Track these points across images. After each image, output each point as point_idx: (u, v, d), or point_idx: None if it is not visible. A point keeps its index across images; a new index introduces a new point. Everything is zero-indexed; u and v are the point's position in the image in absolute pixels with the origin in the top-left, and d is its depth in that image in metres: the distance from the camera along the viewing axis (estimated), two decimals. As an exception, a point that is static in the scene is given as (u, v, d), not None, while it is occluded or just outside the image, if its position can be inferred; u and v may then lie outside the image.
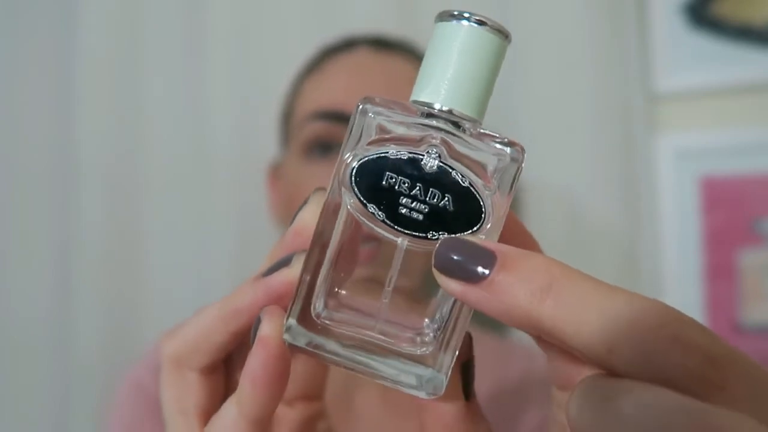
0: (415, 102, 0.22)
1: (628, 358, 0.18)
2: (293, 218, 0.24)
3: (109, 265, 0.89)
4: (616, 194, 0.76)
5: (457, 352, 0.21)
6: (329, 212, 0.21)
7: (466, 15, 0.21)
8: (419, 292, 0.22)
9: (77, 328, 0.89)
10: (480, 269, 0.19)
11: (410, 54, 0.63)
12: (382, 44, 0.62)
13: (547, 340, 0.20)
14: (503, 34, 0.21)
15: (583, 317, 0.18)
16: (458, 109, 0.21)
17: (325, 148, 0.59)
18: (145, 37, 0.90)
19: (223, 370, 0.26)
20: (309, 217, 0.23)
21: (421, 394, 0.21)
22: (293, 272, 0.22)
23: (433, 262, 0.20)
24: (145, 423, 0.61)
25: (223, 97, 0.87)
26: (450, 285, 0.20)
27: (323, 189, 0.22)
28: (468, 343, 0.22)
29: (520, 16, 0.77)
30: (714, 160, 0.77)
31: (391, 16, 0.81)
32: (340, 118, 0.58)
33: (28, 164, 0.93)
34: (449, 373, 0.21)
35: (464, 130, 0.21)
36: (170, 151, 0.88)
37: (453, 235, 0.21)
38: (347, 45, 0.63)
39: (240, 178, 0.84)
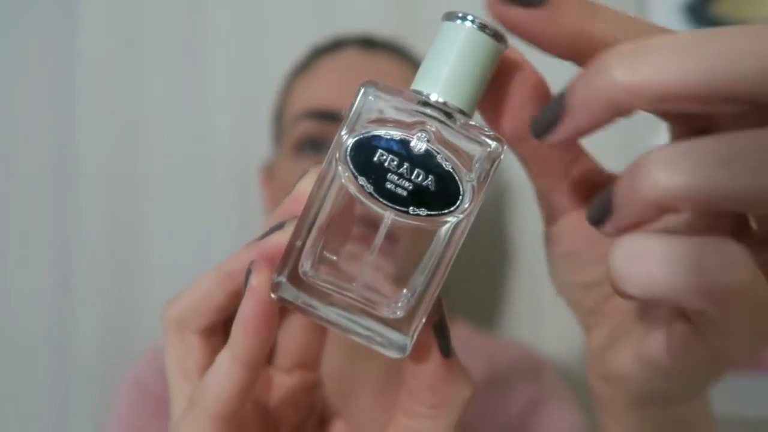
0: (414, 90, 0.24)
1: None
2: (293, 187, 0.25)
3: (109, 264, 0.89)
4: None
5: (424, 317, 0.23)
6: (324, 182, 0.23)
7: (470, 18, 0.23)
8: (398, 261, 0.24)
9: (77, 328, 0.89)
10: None
11: (397, 53, 0.65)
12: (369, 44, 0.64)
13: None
14: (501, 40, 0.24)
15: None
16: (452, 101, 0.23)
17: (316, 146, 0.61)
18: (145, 37, 0.90)
19: (222, 332, 0.27)
20: (307, 186, 0.24)
21: (390, 353, 0.24)
22: (286, 234, 0.24)
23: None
24: (146, 421, 0.62)
25: (223, 97, 0.87)
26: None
27: (321, 163, 0.24)
28: (437, 304, 0.24)
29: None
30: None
31: (391, 16, 0.81)
32: (330, 117, 0.60)
33: (28, 164, 0.93)
34: (416, 335, 0.23)
35: (455, 121, 0.23)
36: (170, 151, 0.88)
37: None
38: (335, 45, 0.65)
39: (240, 177, 0.84)
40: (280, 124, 0.67)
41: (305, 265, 0.24)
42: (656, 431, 0.26)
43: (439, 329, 0.24)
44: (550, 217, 0.26)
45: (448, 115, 0.23)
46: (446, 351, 0.24)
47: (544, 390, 0.65)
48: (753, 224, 0.20)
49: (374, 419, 0.57)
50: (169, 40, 0.89)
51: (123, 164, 0.90)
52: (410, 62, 0.66)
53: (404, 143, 0.23)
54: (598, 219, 0.21)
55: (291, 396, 0.28)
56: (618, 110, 0.19)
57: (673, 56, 0.18)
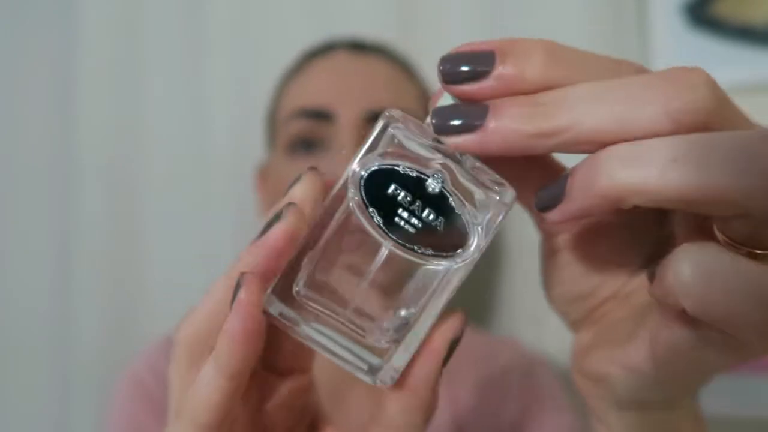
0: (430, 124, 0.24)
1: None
2: (285, 192, 0.25)
3: (108, 264, 0.89)
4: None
5: (411, 354, 0.24)
6: (332, 202, 0.23)
7: None
8: (392, 292, 0.24)
9: (77, 327, 0.89)
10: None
11: (387, 55, 0.67)
12: (359, 47, 0.66)
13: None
14: None
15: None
16: None
17: (308, 145, 0.62)
18: (145, 37, 0.90)
19: None
20: (300, 193, 0.24)
21: (369, 381, 0.24)
22: (286, 223, 0.23)
23: (441, 79, 0.23)
24: (144, 418, 0.62)
25: (223, 97, 0.87)
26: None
27: (315, 169, 0.24)
28: (460, 322, 0.24)
29: (520, 16, 0.77)
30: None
31: (391, 16, 0.81)
32: (321, 115, 0.61)
33: (28, 164, 0.94)
34: (401, 370, 0.24)
35: (464, 162, 0.23)
36: (170, 151, 0.88)
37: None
38: (326, 48, 0.67)
39: (239, 177, 0.84)
40: (273, 126, 0.68)
41: (299, 284, 0.24)
42: None
43: (453, 346, 0.24)
44: (548, 234, 0.27)
45: (459, 156, 0.23)
46: (444, 364, 0.25)
47: (539, 388, 0.65)
48: (716, 232, 0.21)
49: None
50: (169, 40, 0.89)
51: (122, 164, 0.90)
52: (399, 64, 0.66)
53: (420, 181, 0.23)
54: (547, 204, 0.22)
55: (284, 399, 0.29)
56: (611, 204, 0.20)
57: (667, 165, 0.19)
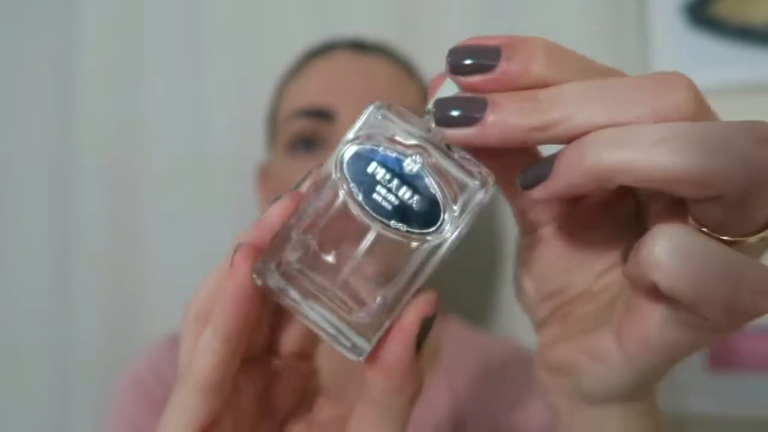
0: (423, 118, 0.26)
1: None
2: (295, 186, 0.27)
3: (108, 264, 0.89)
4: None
5: (387, 325, 0.25)
6: (320, 182, 0.25)
7: None
8: (374, 269, 0.25)
9: (77, 327, 0.89)
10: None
11: (387, 55, 0.67)
12: (359, 47, 0.66)
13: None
14: None
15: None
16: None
17: (309, 143, 0.62)
18: (145, 37, 0.90)
19: None
20: (307, 187, 0.26)
21: (349, 355, 0.25)
22: (284, 203, 0.25)
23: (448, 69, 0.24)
24: (145, 417, 0.62)
25: (223, 97, 0.87)
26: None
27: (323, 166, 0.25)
28: (435, 302, 0.25)
29: (520, 16, 0.77)
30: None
31: (391, 17, 0.82)
32: (322, 114, 0.61)
33: (28, 164, 0.94)
34: (375, 342, 0.25)
35: (454, 152, 0.25)
36: (170, 151, 0.89)
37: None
38: (327, 48, 0.67)
39: (239, 177, 0.84)
40: (273, 126, 0.68)
41: (291, 257, 0.25)
42: None
43: (427, 325, 0.25)
44: (525, 230, 0.28)
45: (449, 146, 0.25)
46: (420, 345, 0.25)
47: (535, 387, 0.65)
48: (690, 220, 0.22)
49: None
50: (169, 40, 0.89)
51: (122, 164, 0.90)
52: (400, 64, 0.67)
53: (398, 161, 0.24)
54: (532, 182, 0.23)
55: (287, 382, 0.30)
56: (596, 183, 0.21)
57: (652, 146, 0.20)
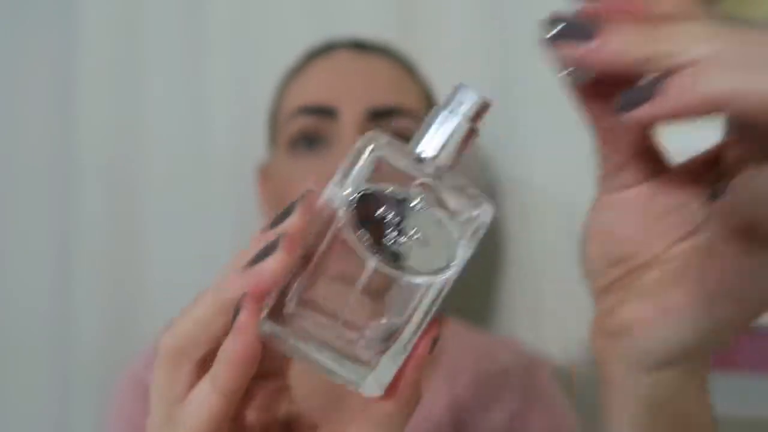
0: (412, 148, 0.26)
1: None
2: (282, 214, 0.26)
3: (108, 264, 0.89)
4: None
5: (400, 361, 0.25)
6: (318, 225, 0.25)
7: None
8: (380, 306, 0.25)
9: (77, 327, 0.89)
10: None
11: (387, 55, 0.67)
12: (360, 47, 0.67)
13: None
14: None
15: None
16: (442, 161, 0.25)
17: (311, 141, 0.63)
18: (145, 37, 0.90)
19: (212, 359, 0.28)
20: (297, 221, 0.25)
21: (364, 391, 0.25)
22: (281, 258, 0.24)
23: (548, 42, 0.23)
24: (145, 417, 0.62)
25: (223, 97, 0.87)
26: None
27: (308, 193, 0.25)
28: (439, 324, 0.25)
29: (520, 16, 0.77)
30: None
31: (391, 17, 0.81)
32: (324, 112, 0.62)
33: (28, 164, 0.94)
34: (391, 377, 0.25)
35: (446, 180, 0.25)
36: (170, 151, 0.88)
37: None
38: (328, 48, 0.68)
39: (239, 177, 0.84)
40: (274, 125, 0.68)
41: (290, 304, 0.25)
42: (655, 403, 0.27)
43: (433, 346, 0.25)
44: (608, 188, 0.28)
45: (441, 175, 0.25)
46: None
47: (538, 388, 0.65)
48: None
49: None
50: (169, 40, 0.89)
51: (122, 164, 0.90)
52: (401, 63, 0.67)
53: (405, 202, 0.24)
54: (636, 101, 0.22)
55: (261, 401, 0.30)
56: (709, 108, 0.20)
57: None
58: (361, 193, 0.24)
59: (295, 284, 0.25)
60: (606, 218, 0.28)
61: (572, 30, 0.22)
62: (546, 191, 0.76)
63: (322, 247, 0.24)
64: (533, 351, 0.70)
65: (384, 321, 0.25)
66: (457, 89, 0.26)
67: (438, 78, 0.70)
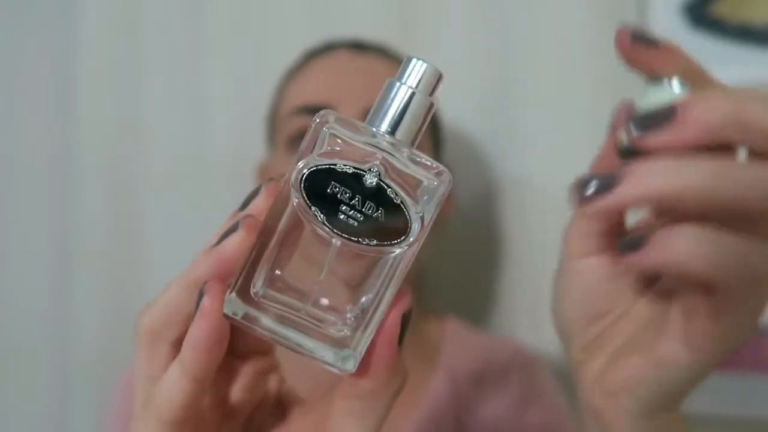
0: (367, 125, 0.26)
1: None
2: (244, 203, 0.26)
3: (108, 264, 0.89)
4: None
5: (372, 335, 0.25)
6: (278, 205, 0.25)
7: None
8: (346, 283, 0.25)
9: (77, 327, 0.89)
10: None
11: (386, 54, 0.68)
12: (359, 47, 0.67)
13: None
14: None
15: None
16: (400, 135, 0.25)
17: None
18: (145, 37, 0.90)
19: None
20: (259, 204, 0.26)
21: (336, 370, 0.25)
22: (240, 236, 0.25)
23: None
24: None
25: (223, 97, 0.87)
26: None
27: (276, 180, 0.26)
28: (407, 297, 0.25)
29: (520, 16, 0.77)
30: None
31: (391, 17, 0.81)
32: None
33: (28, 164, 0.94)
34: (363, 352, 0.25)
35: (402, 153, 0.25)
36: (170, 151, 0.88)
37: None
38: (327, 48, 0.68)
39: (239, 177, 0.84)
40: (273, 125, 0.68)
41: (257, 284, 0.25)
42: None
43: (405, 320, 0.25)
44: (578, 255, 0.29)
45: (396, 147, 0.25)
46: (401, 341, 0.25)
47: (535, 387, 0.66)
48: None
49: None
50: (169, 40, 0.89)
51: (122, 164, 0.90)
52: (399, 63, 0.67)
53: (356, 176, 0.24)
54: (633, 247, 0.24)
55: (247, 382, 0.30)
56: (716, 138, 0.23)
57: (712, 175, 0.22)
58: (312, 169, 0.24)
59: (260, 264, 0.25)
60: (577, 283, 0.29)
61: (599, 184, 0.24)
62: (546, 191, 0.76)
63: (282, 225, 0.25)
64: (531, 350, 0.70)
65: (353, 297, 0.25)
66: (408, 61, 0.27)
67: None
